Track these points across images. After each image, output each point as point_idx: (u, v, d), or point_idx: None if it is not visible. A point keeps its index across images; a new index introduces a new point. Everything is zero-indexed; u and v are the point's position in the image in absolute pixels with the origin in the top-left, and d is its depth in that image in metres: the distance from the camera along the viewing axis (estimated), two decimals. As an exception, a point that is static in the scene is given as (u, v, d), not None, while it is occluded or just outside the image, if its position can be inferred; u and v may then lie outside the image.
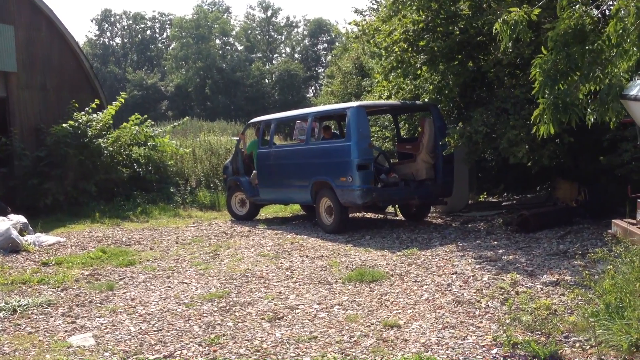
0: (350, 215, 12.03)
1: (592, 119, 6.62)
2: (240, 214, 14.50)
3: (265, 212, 15.45)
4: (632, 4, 5.69)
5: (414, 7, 11.56)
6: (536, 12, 6.83)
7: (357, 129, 11.19)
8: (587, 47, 6.25)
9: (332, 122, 16.00)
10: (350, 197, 11.24)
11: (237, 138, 16.07)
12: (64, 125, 15.50)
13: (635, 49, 5.97)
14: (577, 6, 6.48)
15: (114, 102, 17.01)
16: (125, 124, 17.01)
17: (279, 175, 13.14)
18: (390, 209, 13.27)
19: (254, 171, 14.09)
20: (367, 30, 13.98)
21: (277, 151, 13.56)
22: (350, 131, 11.28)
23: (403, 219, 13.00)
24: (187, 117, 20.37)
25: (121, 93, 17.91)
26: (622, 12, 5.85)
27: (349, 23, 34.47)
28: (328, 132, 13.25)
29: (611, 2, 8.39)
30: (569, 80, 6.35)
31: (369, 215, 13.65)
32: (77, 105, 16.13)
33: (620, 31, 5.85)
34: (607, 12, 7.66)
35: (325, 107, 13.27)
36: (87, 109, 16.25)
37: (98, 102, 16.80)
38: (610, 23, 5.97)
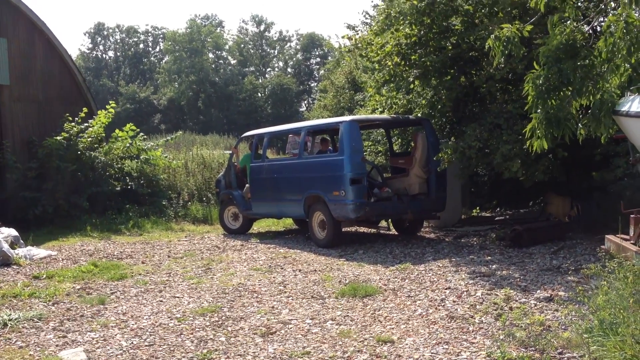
0: (343, 230, 11.98)
1: (584, 134, 6.65)
2: (233, 228, 14.46)
3: (258, 226, 15.40)
4: (622, 19, 5.74)
5: (407, 22, 11.62)
6: (528, 29, 6.88)
7: (350, 143, 11.19)
8: (578, 63, 6.30)
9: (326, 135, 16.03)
10: (343, 211, 11.22)
11: (230, 152, 16.06)
12: (56, 138, 15.45)
13: (626, 64, 6.02)
14: (569, 22, 6.54)
15: (101, 111, 16.83)
16: (118, 130, 16.95)
17: (271, 189, 13.11)
18: (383, 223, 13.27)
19: (247, 185, 14.06)
20: (359, 45, 14.04)
21: (270, 165, 13.53)
22: (343, 145, 11.28)
23: (396, 233, 12.99)
24: (180, 132, 19.95)
25: (110, 102, 17.64)
26: (612, 27, 5.90)
27: (342, 37, 34.59)
28: (325, 145, 13.25)
29: (602, 19, 8.48)
30: (561, 95, 6.39)
31: (362, 229, 13.62)
32: (70, 118, 16.08)
33: (611, 47, 5.90)
34: (599, 29, 7.72)
35: (319, 121, 13.33)
36: (77, 118, 16.16)
37: (87, 110, 16.65)
38: (601, 39, 6.02)
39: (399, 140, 14.96)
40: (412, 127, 13.73)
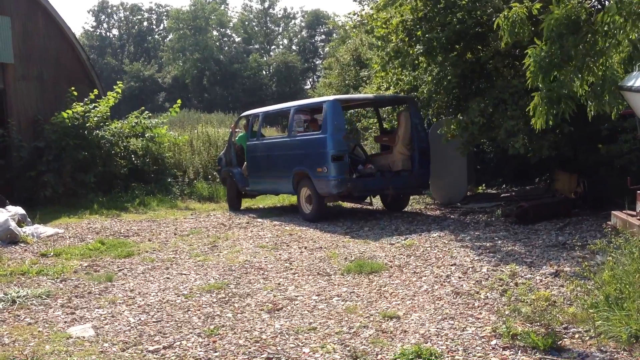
0: (348, 207, 12.07)
1: (593, 112, 6.61)
2: (239, 206, 14.81)
3: (264, 204, 15.46)
4: None
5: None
6: (537, 7, 6.81)
7: (332, 122, 11.62)
8: (580, 37, 6.22)
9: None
10: (326, 187, 11.67)
11: (230, 130, 16.24)
12: (64, 115, 15.45)
13: (626, 41, 5.96)
14: None
15: (110, 92, 16.88)
16: (131, 116, 16.91)
17: (265, 167, 13.68)
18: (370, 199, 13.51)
19: (245, 162, 14.35)
20: (366, 20, 13.95)
21: (264, 143, 14.00)
22: (327, 124, 11.69)
23: (373, 207, 13.37)
24: (179, 101, 19.17)
25: (118, 82, 17.68)
26: (608, 2, 5.85)
27: (349, 14, 34.33)
28: (315, 124, 13.40)
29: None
30: (563, 71, 6.33)
31: (368, 206, 13.70)
32: (76, 93, 16.07)
33: (611, 24, 5.84)
34: (606, 3, 7.64)
35: (305, 101, 13.77)
36: (85, 99, 16.20)
37: (97, 92, 16.72)
38: (600, 14, 5.96)
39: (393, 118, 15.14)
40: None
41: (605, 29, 5.94)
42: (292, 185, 12.68)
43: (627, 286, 5.12)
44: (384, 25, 12.17)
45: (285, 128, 13.41)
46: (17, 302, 6.73)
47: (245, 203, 15.49)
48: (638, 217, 7.42)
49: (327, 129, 11.65)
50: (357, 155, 13.15)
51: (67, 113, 15.54)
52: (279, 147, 13.41)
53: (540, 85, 6.43)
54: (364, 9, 15.98)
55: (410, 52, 11.93)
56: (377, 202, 13.77)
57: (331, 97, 12.34)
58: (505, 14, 6.69)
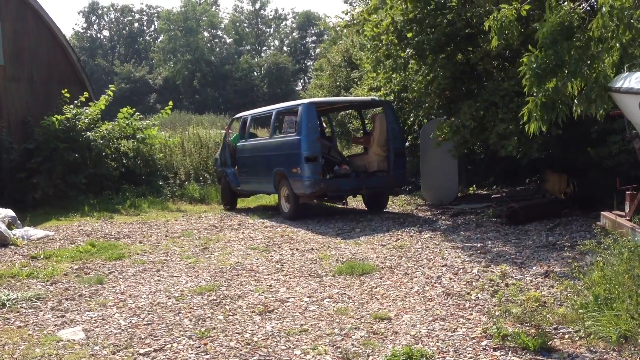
0: (340, 208, 12.11)
1: (579, 111, 6.65)
2: (234, 205, 15.26)
3: (256, 204, 15.46)
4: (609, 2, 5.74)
5: (403, -1, 11.54)
6: (526, 8, 6.86)
7: (306, 124, 12.04)
8: (573, 43, 6.27)
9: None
10: (300, 186, 12.10)
11: (224, 131, 16.49)
12: (54, 117, 15.40)
13: (617, 44, 6.01)
14: (565, 3, 6.51)
15: (103, 96, 16.89)
16: (120, 115, 16.86)
17: (251, 167, 14.17)
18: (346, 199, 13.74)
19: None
20: (356, 20, 13.94)
21: (250, 144, 14.45)
22: (301, 126, 12.11)
23: (346, 207, 13.70)
24: (171, 102, 19.32)
25: (110, 86, 17.77)
26: (604, 9, 5.90)
27: (341, 12, 34.31)
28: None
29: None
30: (557, 77, 6.37)
31: (361, 207, 13.74)
32: (68, 95, 16.03)
33: (602, 28, 5.90)
34: (595, 7, 7.69)
35: (285, 104, 14.14)
36: (76, 102, 16.16)
37: (87, 95, 16.70)
38: (594, 19, 6.01)
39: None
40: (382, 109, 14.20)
41: (598, 34, 5.99)
42: (274, 185, 13.09)
43: (617, 287, 5.15)
44: (375, 28, 12.19)
45: (278, 129, 13.55)
46: (7, 305, 6.69)
47: (238, 204, 15.50)
48: (627, 218, 7.46)
49: (301, 131, 12.07)
50: (334, 156, 13.66)
51: (57, 117, 15.47)
52: (262, 149, 13.86)
53: (535, 91, 6.48)
54: (355, 9, 15.94)
55: (401, 54, 11.96)
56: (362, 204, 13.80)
57: (306, 101, 12.78)
58: (495, 15, 6.73)
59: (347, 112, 18.28)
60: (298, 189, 12.18)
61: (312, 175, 11.87)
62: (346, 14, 14.98)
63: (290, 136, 12.66)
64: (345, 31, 18.21)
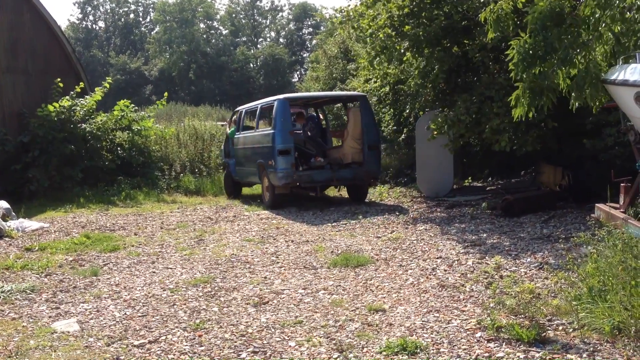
0: (336, 200, 12.13)
1: (577, 104, 6.65)
2: (236, 194, 15.78)
3: (251, 194, 15.42)
4: None
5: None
6: (522, 0, 6.84)
7: (280, 119, 12.55)
8: (564, 29, 6.25)
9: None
10: (275, 178, 12.62)
11: (225, 124, 16.78)
12: (49, 108, 15.34)
13: (609, 34, 6.00)
14: None
15: (98, 87, 16.85)
16: (117, 107, 16.82)
17: (244, 158, 14.79)
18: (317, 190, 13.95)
19: None
20: (352, 15, 13.91)
21: (242, 137, 15.01)
22: (276, 121, 12.61)
23: (315, 195, 13.84)
24: (166, 94, 19.41)
25: (107, 78, 17.77)
26: None
27: (335, 10, 34.24)
28: (301, 118, 14.73)
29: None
30: (546, 63, 6.35)
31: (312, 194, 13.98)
32: (62, 85, 15.98)
33: (591, 17, 5.88)
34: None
35: (264, 100, 14.71)
36: (71, 93, 16.11)
37: (82, 86, 16.64)
38: (582, 5, 5.99)
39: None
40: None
41: (588, 22, 5.97)
42: (259, 176, 13.65)
43: (610, 278, 5.17)
44: (371, 23, 12.16)
45: (271, 122, 13.59)
46: (1, 297, 6.69)
47: (236, 198, 15.48)
48: (621, 210, 7.48)
49: (275, 126, 12.58)
50: (309, 149, 14.14)
51: (54, 106, 15.42)
52: (249, 141, 14.37)
53: (524, 77, 6.46)
54: (349, 5, 15.93)
55: (397, 47, 11.94)
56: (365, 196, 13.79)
57: (281, 96, 13.27)
58: (491, 7, 6.72)
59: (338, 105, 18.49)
60: (273, 180, 12.71)
61: (285, 167, 12.38)
62: (340, 12, 15.03)
63: (267, 130, 13.22)
64: (341, 26, 18.16)
